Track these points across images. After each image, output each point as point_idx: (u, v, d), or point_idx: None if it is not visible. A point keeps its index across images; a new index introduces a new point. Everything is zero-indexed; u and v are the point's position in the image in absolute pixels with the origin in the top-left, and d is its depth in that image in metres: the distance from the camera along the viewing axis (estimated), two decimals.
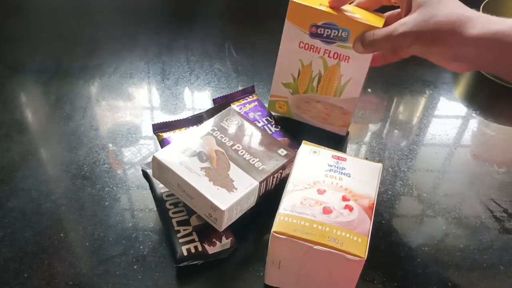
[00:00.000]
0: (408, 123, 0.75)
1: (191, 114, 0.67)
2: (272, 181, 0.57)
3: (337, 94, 0.66)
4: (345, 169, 0.54)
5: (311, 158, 0.55)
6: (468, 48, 0.50)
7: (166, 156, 0.56)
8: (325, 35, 0.61)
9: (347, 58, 0.62)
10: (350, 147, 0.71)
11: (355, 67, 0.62)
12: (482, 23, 0.50)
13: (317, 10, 0.60)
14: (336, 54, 0.62)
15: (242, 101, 0.71)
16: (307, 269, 0.50)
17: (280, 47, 0.65)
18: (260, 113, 0.70)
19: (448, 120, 0.76)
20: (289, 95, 0.69)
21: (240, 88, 0.77)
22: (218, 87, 0.78)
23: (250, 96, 0.72)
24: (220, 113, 0.63)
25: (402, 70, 0.84)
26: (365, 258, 0.46)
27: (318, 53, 0.63)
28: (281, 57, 0.66)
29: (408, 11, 0.54)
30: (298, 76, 0.67)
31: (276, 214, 0.49)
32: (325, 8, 0.60)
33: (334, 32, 0.61)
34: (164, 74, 0.80)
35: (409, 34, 0.52)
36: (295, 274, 0.51)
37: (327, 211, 0.49)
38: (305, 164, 0.55)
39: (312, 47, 0.63)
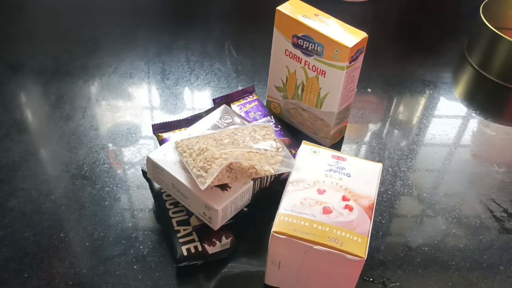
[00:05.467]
0: (408, 123, 0.75)
1: (191, 114, 0.67)
2: (267, 179, 0.57)
3: (318, 105, 0.65)
4: (345, 169, 0.54)
5: (311, 158, 0.55)
6: None
7: (160, 156, 0.56)
8: (304, 47, 0.62)
9: (323, 72, 0.62)
10: (350, 147, 0.71)
11: (330, 83, 0.62)
12: None
13: (296, 21, 0.61)
14: (314, 67, 0.62)
15: (242, 101, 0.71)
16: (307, 269, 0.50)
17: (271, 51, 0.66)
18: (260, 113, 0.70)
19: (448, 120, 0.76)
20: (281, 98, 0.70)
21: (240, 88, 0.77)
22: (218, 87, 0.78)
23: (250, 96, 0.72)
24: (215, 111, 0.63)
25: (402, 70, 0.84)
26: (365, 258, 0.46)
27: (300, 63, 0.64)
28: (272, 61, 0.67)
29: None
30: (286, 82, 0.67)
31: (276, 214, 0.49)
32: (305, 19, 0.60)
33: (311, 46, 0.61)
34: (164, 74, 0.80)
35: None
36: (295, 274, 0.51)
37: (327, 211, 0.49)
38: (305, 164, 0.55)
39: (295, 56, 0.64)
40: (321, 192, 0.51)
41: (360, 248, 0.47)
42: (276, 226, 0.48)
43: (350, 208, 0.50)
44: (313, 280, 0.51)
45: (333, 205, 0.50)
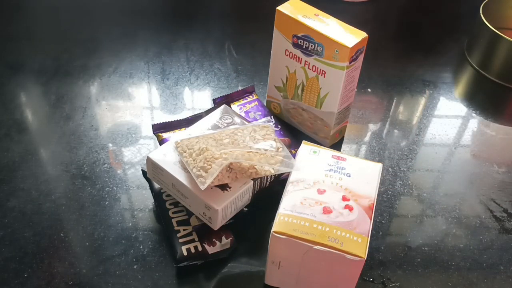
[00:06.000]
0: (408, 123, 0.75)
1: (191, 114, 0.67)
2: (267, 179, 0.57)
3: (318, 105, 0.65)
4: (345, 169, 0.54)
5: (311, 158, 0.55)
6: None
7: (160, 156, 0.56)
8: (304, 47, 0.62)
9: (323, 72, 0.62)
10: (350, 147, 0.71)
11: (330, 83, 0.62)
12: None
13: (296, 22, 0.61)
14: (314, 67, 0.62)
15: (242, 101, 0.71)
16: (307, 269, 0.50)
17: (271, 51, 0.66)
18: (260, 113, 0.70)
19: (448, 120, 0.76)
20: (281, 98, 0.70)
21: (240, 88, 0.77)
22: (218, 87, 0.78)
23: (250, 96, 0.72)
24: (215, 111, 0.63)
25: (402, 70, 0.84)
26: (365, 258, 0.46)
27: (300, 63, 0.64)
28: (272, 61, 0.67)
29: None
30: (286, 82, 0.67)
31: (276, 214, 0.49)
32: (305, 19, 0.60)
33: (311, 46, 0.61)
34: (164, 74, 0.80)
35: None
36: (295, 274, 0.51)
37: (327, 211, 0.49)
38: (305, 164, 0.55)
39: (295, 56, 0.64)
40: (321, 192, 0.51)
41: (360, 248, 0.47)
42: (276, 226, 0.48)
43: (350, 208, 0.50)
44: (313, 280, 0.51)
45: (333, 205, 0.50)
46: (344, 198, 0.51)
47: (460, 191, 0.66)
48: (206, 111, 0.67)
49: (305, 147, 0.57)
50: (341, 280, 0.50)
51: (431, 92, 0.80)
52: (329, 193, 0.51)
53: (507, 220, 0.63)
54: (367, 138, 0.72)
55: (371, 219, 0.49)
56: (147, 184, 0.62)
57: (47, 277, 0.54)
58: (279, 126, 0.68)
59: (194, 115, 0.66)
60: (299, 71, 0.64)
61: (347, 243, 0.47)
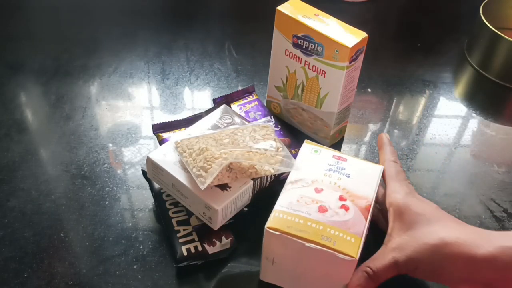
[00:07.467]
0: (408, 123, 0.75)
1: (191, 114, 0.67)
2: (267, 179, 0.57)
3: (318, 105, 0.65)
4: (344, 169, 0.54)
5: (311, 157, 0.55)
6: (482, 270, 0.45)
7: (160, 156, 0.56)
8: (304, 46, 0.62)
9: (323, 72, 0.62)
10: (350, 147, 0.71)
11: (330, 83, 0.62)
12: (490, 240, 0.45)
13: (296, 21, 0.61)
14: (314, 67, 0.62)
15: (242, 101, 0.71)
16: (301, 266, 0.50)
17: (271, 51, 0.66)
18: (260, 113, 0.70)
19: (448, 120, 0.76)
20: (281, 98, 0.70)
21: (240, 88, 0.77)
22: (218, 87, 0.78)
23: (250, 96, 0.72)
24: (215, 111, 0.63)
25: (402, 70, 0.84)
26: (358, 258, 0.46)
27: (300, 63, 0.64)
28: (272, 61, 0.67)
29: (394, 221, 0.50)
30: (286, 82, 0.67)
31: (272, 211, 0.49)
32: (305, 19, 0.60)
33: (311, 46, 0.61)
34: (164, 74, 0.80)
35: (410, 262, 0.47)
36: (289, 271, 0.51)
37: (322, 209, 0.49)
38: (305, 163, 0.55)
39: (295, 56, 0.64)
40: (318, 191, 0.51)
41: (352, 248, 0.47)
42: (271, 222, 0.48)
43: (346, 208, 0.50)
44: (306, 277, 0.51)
45: (329, 204, 0.50)
46: (341, 198, 0.51)
47: (460, 191, 0.66)
48: (206, 111, 0.67)
49: (307, 146, 0.57)
50: (334, 279, 0.50)
51: (431, 92, 0.80)
52: (326, 192, 0.51)
53: (507, 220, 0.63)
54: (367, 138, 0.72)
55: (366, 220, 0.49)
56: (147, 184, 0.62)
57: (47, 277, 0.54)
58: (279, 126, 0.68)
59: (194, 115, 0.66)
60: (299, 71, 0.64)
61: (340, 243, 0.47)
